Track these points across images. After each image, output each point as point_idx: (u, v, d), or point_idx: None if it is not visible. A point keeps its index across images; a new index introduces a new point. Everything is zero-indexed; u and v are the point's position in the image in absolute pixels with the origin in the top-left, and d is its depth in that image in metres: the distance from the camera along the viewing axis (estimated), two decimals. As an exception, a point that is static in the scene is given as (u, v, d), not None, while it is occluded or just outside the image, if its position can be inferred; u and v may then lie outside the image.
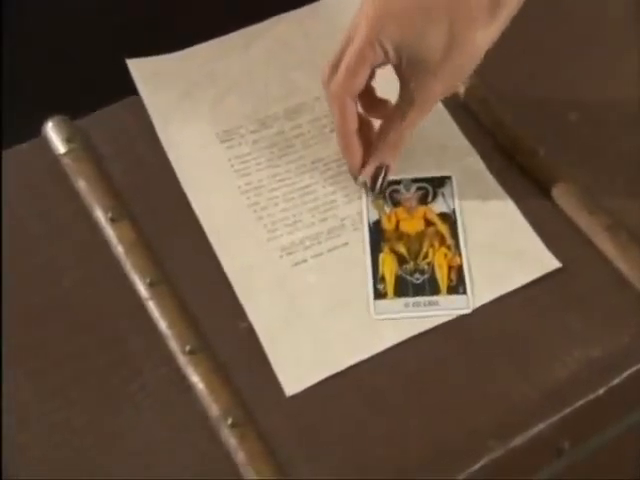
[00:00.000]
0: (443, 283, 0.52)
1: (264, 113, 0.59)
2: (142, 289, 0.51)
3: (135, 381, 0.49)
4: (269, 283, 0.52)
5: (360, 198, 0.55)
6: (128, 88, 0.59)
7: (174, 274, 0.52)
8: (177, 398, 0.48)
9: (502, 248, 0.53)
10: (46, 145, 0.57)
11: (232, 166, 0.57)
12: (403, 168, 0.56)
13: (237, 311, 0.51)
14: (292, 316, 0.51)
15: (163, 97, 0.59)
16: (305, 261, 0.53)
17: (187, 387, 0.48)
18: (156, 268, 0.52)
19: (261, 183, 0.56)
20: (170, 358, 0.49)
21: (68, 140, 0.56)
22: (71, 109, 0.58)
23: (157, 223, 0.54)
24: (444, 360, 0.49)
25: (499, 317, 0.51)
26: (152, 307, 0.51)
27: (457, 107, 0.58)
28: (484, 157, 0.57)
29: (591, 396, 0.48)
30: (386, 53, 0.50)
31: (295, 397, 0.48)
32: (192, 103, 0.59)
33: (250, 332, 0.50)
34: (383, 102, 0.54)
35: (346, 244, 0.54)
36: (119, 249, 0.53)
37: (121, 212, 0.54)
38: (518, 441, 0.47)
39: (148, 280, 0.51)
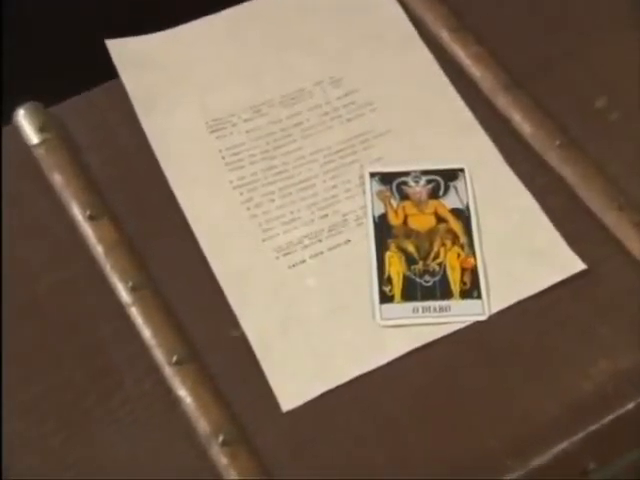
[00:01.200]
0: (455, 286, 0.53)
1: (258, 100, 0.59)
2: (124, 294, 0.52)
3: (116, 395, 0.49)
4: (264, 287, 0.53)
5: (364, 192, 0.56)
6: (108, 72, 0.60)
7: (159, 277, 0.53)
8: (162, 414, 0.49)
9: (521, 248, 0.54)
10: (17, 135, 0.57)
11: (223, 158, 0.57)
12: (412, 158, 0.57)
13: (229, 318, 0.52)
14: (289, 323, 0.52)
15: (146, 82, 0.60)
16: (303, 262, 0.54)
17: (173, 401, 0.49)
18: (139, 271, 0.53)
19: (255, 177, 0.57)
20: (155, 370, 0.50)
21: (41, 129, 0.57)
22: (45, 95, 0.58)
23: (140, 221, 0.55)
24: (456, 372, 0.50)
25: (517, 324, 0.51)
26: (135, 313, 0.51)
27: (471, 93, 0.59)
28: (501, 147, 0.57)
29: (619, 411, 0.49)
30: None
31: (291, 412, 0.49)
32: (179, 88, 0.60)
33: (243, 341, 0.51)
34: None
35: (348, 242, 0.54)
36: (98, 250, 0.53)
37: (100, 209, 0.54)
38: (539, 461, 0.47)
39: (130, 284, 0.52)
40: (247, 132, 0.58)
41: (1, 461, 0.47)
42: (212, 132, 0.58)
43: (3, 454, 0.47)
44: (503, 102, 0.58)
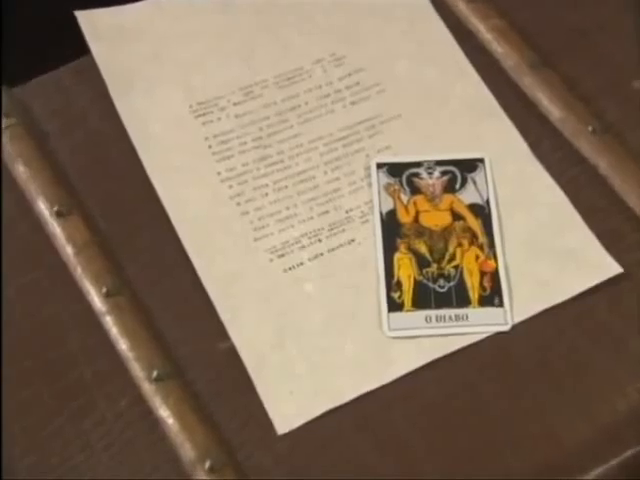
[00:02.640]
0: (474, 292, 0.53)
1: (250, 80, 0.60)
2: (97, 300, 0.52)
3: (89, 416, 0.50)
4: (256, 293, 0.53)
5: (370, 185, 0.56)
6: (78, 48, 0.60)
7: (137, 282, 0.53)
8: (141, 437, 0.49)
9: (549, 249, 0.54)
10: (-24, 120, 0.58)
11: (210, 147, 0.58)
12: (425, 147, 0.57)
13: (216, 328, 0.52)
14: (285, 335, 0.52)
15: (122, 59, 0.60)
16: (301, 265, 0.54)
17: (154, 423, 0.49)
18: (114, 274, 0.53)
19: (246, 168, 0.57)
20: (132, 387, 0.50)
21: (5, 114, 0.57)
22: (8, 75, 0.59)
23: (115, 218, 0.55)
24: (474, 389, 0.50)
25: (544, 336, 0.52)
26: (110, 323, 0.52)
27: (492, 72, 0.59)
28: (526, 134, 0.57)
29: (659, 435, 0.49)
30: None
31: (287, 436, 0.49)
32: (159, 67, 0.60)
33: (232, 354, 0.51)
34: None
35: (352, 242, 0.55)
36: (68, 250, 0.54)
37: (70, 204, 0.55)
38: (568, 489, 0.48)
39: (105, 289, 0.52)
40: (237, 117, 0.59)
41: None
42: (197, 117, 0.59)
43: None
44: (529, 82, 0.59)
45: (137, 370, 0.50)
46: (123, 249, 0.54)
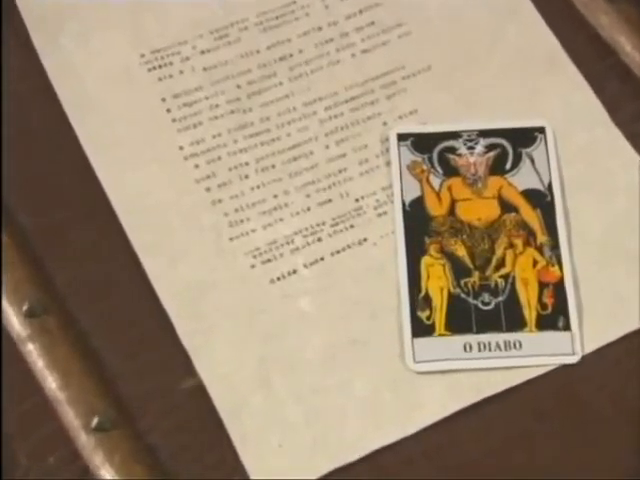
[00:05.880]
0: (530, 311, 0.53)
1: (224, 20, 0.60)
2: (16, 322, 0.52)
3: (6, 476, 0.50)
4: (232, 312, 0.53)
5: (388, 164, 0.57)
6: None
7: (70, 297, 0.53)
8: (76, 507, 0.49)
9: (632, 252, 0.54)
10: None
11: (168, 111, 0.58)
12: (463, 112, 0.58)
13: (178, 360, 0.52)
14: (271, 369, 0.52)
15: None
16: (294, 273, 0.54)
17: (92, 488, 0.50)
18: (40, 286, 0.53)
19: (218, 141, 0.57)
20: (65, 439, 0.50)
21: None
22: None
23: (40, 210, 0.55)
24: (528, 445, 0.50)
25: (625, 371, 0.52)
26: (34, 353, 0.52)
27: (557, 8, 0.60)
28: (603, 95, 0.58)
29: None
30: None
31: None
32: (99, 3, 0.60)
33: (200, 396, 0.51)
34: None
35: (364, 241, 0.55)
36: (-24, 254, 0.54)
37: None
38: None
39: (26, 307, 0.52)
40: (205, 70, 0.59)
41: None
42: (151, 70, 0.59)
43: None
44: (606, 22, 0.59)
45: (71, 416, 0.51)
46: (51, 253, 0.54)
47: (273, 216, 0.56)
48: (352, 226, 0.55)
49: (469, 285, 0.54)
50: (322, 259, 0.55)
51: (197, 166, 0.57)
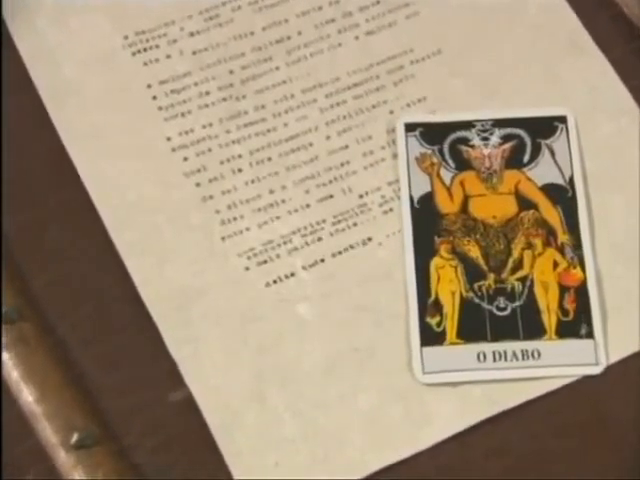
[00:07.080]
0: (550, 316, 0.54)
1: (215, 0, 0.61)
2: (-13, 330, 0.52)
3: None
4: (225, 319, 0.54)
5: (395, 156, 0.58)
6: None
7: (48, 302, 0.54)
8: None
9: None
10: None
11: (154, 98, 0.59)
12: (477, 99, 0.58)
13: (166, 371, 0.53)
14: (267, 380, 0.53)
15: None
16: (292, 276, 0.55)
17: (71, 509, 0.50)
18: (15, 291, 0.54)
19: (209, 131, 0.58)
20: (42, 456, 0.51)
21: None
22: None
23: (16, 207, 0.56)
24: (546, 462, 0.51)
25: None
26: (8, 362, 0.53)
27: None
28: (628, 78, 0.59)
29: None
30: None
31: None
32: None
33: (189, 409, 0.52)
34: None
35: (369, 241, 0.56)
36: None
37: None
38: None
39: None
40: (195, 54, 0.60)
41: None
42: (135, 54, 0.60)
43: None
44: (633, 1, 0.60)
45: (49, 432, 0.51)
46: (26, 252, 0.55)
47: (269, 213, 0.56)
48: (355, 224, 0.56)
49: (483, 289, 0.55)
50: (322, 260, 0.56)
51: (186, 159, 0.57)
